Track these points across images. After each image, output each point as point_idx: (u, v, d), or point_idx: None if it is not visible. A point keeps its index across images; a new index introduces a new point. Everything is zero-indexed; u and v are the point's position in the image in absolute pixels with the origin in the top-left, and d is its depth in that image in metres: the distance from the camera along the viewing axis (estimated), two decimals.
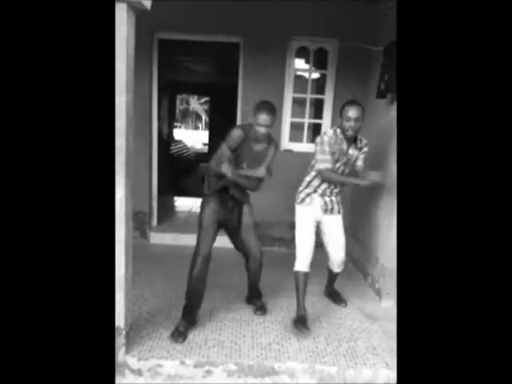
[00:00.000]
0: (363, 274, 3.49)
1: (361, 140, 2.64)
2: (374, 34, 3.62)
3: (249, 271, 2.71)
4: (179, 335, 2.35)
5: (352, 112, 2.44)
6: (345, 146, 2.56)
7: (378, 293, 3.07)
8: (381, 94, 3.23)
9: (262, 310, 2.74)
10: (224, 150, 2.38)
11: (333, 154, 2.53)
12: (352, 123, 2.45)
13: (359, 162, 2.70)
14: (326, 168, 2.52)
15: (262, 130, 2.34)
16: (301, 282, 2.60)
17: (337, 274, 2.94)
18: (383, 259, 3.12)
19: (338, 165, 2.58)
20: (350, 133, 2.49)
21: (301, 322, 2.51)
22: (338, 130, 2.56)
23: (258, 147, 2.47)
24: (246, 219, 2.60)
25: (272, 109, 2.35)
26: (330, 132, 2.57)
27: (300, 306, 2.59)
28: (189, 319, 2.45)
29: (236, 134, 2.37)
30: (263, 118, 2.31)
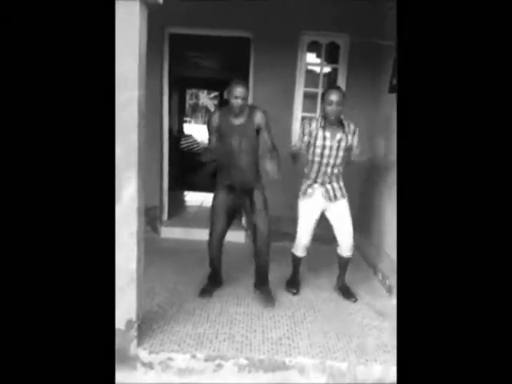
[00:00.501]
0: (373, 270, 3.48)
1: (348, 124, 2.70)
2: (381, 27, 3.57)
3: (256, 248, 2.77)
4: (205, 292, 2.85)
5: (334, 96, 2.57)
6: (328, 133, 2.65)
7: (389, 289, 3.06)
8: (392, 89, 3.20)
9: (269, 299, 2.77)
10: (208, 134, 2.75)
11: (305, 135, 2.71)
12: (334, 107, 2.57)
13: (356, 151, 2.75)
14: (294, 145, 2.89)
15: (238, 101, 2.46)
16: (296, 262, 3.01)
17: (347, 261, 2.94)
18: (393, 255, 3.10)
19: (326, 151, 2.67)
20: (332, 117, 2.59)
21: (292, 284, 3.01)
22: (315, 118, 2.74)
23: (238, 121, 2.58)
24: (257, 204, 2.70)
25: (245, 83, 2.55)
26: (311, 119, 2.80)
27: (293, 275, 3.04)
28: (213, 282, 2.94)
29: (211, 116, 2.69)
30: (238, 90, 2.45)
